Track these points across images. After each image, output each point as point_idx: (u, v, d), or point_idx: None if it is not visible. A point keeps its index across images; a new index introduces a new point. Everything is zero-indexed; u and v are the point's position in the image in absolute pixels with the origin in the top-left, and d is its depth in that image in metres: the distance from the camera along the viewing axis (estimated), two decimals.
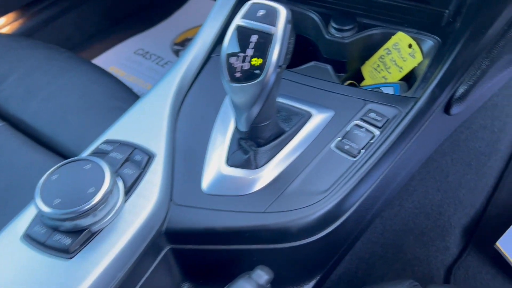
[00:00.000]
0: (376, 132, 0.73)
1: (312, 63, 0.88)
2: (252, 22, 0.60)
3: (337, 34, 0.90)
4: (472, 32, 0.83)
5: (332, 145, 0.73)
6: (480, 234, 1.18)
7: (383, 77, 0.92)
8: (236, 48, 0.61)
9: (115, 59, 1.89)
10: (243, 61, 0.60)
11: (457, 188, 1.13)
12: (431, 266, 1.14)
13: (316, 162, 0.71)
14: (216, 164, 0.71)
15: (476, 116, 1.10)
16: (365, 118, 0.75)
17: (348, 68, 0.95)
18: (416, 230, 1.11)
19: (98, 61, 1.87)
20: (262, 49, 0.59)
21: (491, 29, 0.84)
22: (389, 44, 0.90)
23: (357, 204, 0.71)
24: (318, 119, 0.76)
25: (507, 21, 0.85)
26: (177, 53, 1.95)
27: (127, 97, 1.15)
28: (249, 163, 0.70)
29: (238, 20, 0.61)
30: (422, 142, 0.82)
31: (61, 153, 1.05)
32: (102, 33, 1.97)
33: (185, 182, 0.71)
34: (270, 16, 0.59)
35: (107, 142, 0.73)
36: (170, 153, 0.72)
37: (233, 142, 0.73)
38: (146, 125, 0.75)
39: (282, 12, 0.59)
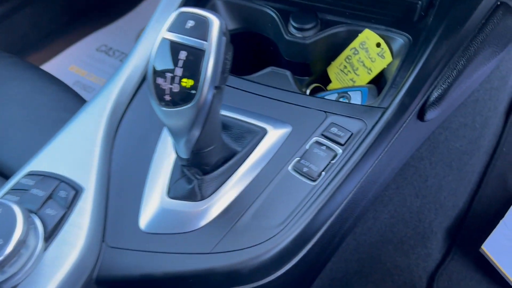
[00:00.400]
0: (339, 150, 0.64)
1: (269, 69, 0.78)
2: (179, 35, 0.50)
3: (298, 34, 0.81)
4: (446, 27, 0.74)
5: (290, 167, 0.64)
6: (463, 237, 1.11)
7: (351, 79, 0.83)
8: (163, 66, 0.51)
9: (75, 57, 1.77)
10: (172, 82, 0.51)
11: (438, 191, 1.05)
12: (413, 274, 1.07)
13: (271, 189, 0.62)
14: (156, 197, 0.62)
15: (455, 114, 1.01)
16: (326, 133, 0.66)
17: (313, 71, 0.86)
18: (395, 239, 1.03)
19: (57, 60, 1.75)
20: (193, 68, 0.50)
21: (467, 23, 0.74)
22: (355, 43, 0.81)
23: (319, 234, 0.63)
24: (274, 136, 0.67)
25: (484, 14, 0.76)
26: None
27: (76, 107, 1.04)
28: (193, 194, 0.61)
29: (164, 33, 0.51)
30: (393, 154, 0.73)
31: (2, 173, 0.95)
32: (61, 29, 1.83)
33: (120, 219, 0.61)
34: (201, 29, 0.50)
35: (30, 174, 0.63)
36: (103, 185, 0.63)
37: (176, 169, 0.63)
38: (75, 152, 0.65)
39: (215, 23, 0.50)
